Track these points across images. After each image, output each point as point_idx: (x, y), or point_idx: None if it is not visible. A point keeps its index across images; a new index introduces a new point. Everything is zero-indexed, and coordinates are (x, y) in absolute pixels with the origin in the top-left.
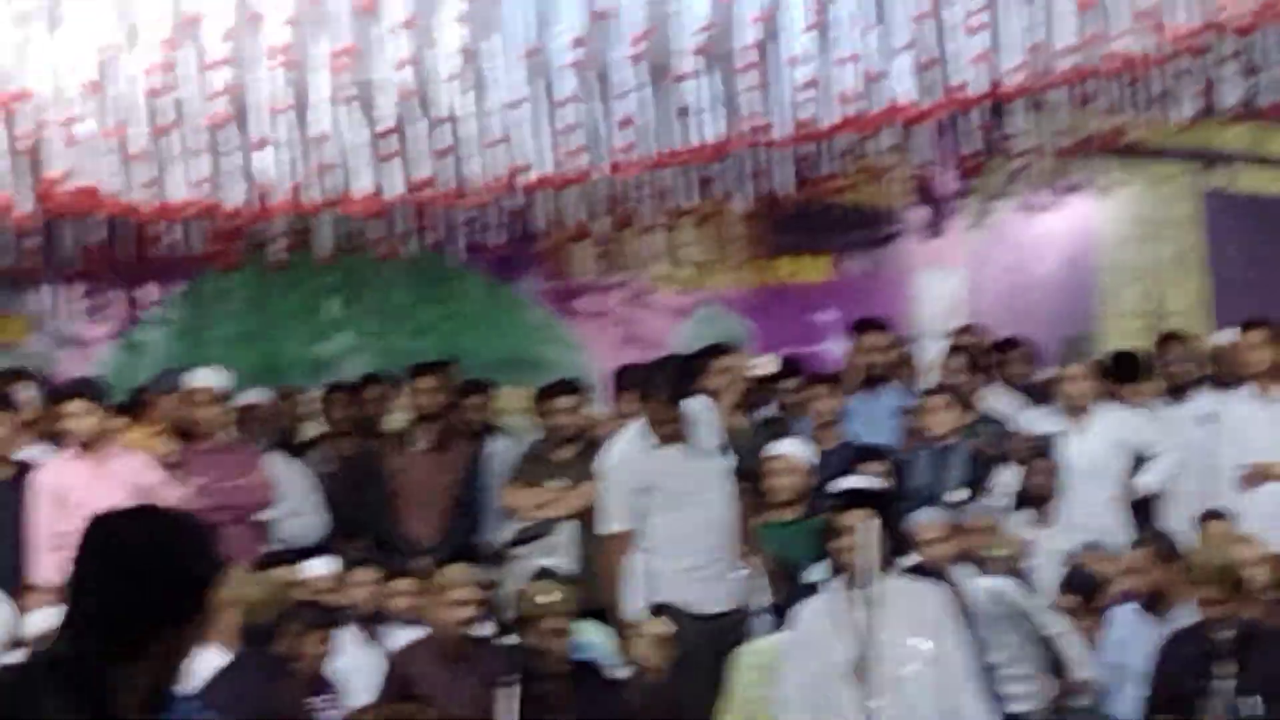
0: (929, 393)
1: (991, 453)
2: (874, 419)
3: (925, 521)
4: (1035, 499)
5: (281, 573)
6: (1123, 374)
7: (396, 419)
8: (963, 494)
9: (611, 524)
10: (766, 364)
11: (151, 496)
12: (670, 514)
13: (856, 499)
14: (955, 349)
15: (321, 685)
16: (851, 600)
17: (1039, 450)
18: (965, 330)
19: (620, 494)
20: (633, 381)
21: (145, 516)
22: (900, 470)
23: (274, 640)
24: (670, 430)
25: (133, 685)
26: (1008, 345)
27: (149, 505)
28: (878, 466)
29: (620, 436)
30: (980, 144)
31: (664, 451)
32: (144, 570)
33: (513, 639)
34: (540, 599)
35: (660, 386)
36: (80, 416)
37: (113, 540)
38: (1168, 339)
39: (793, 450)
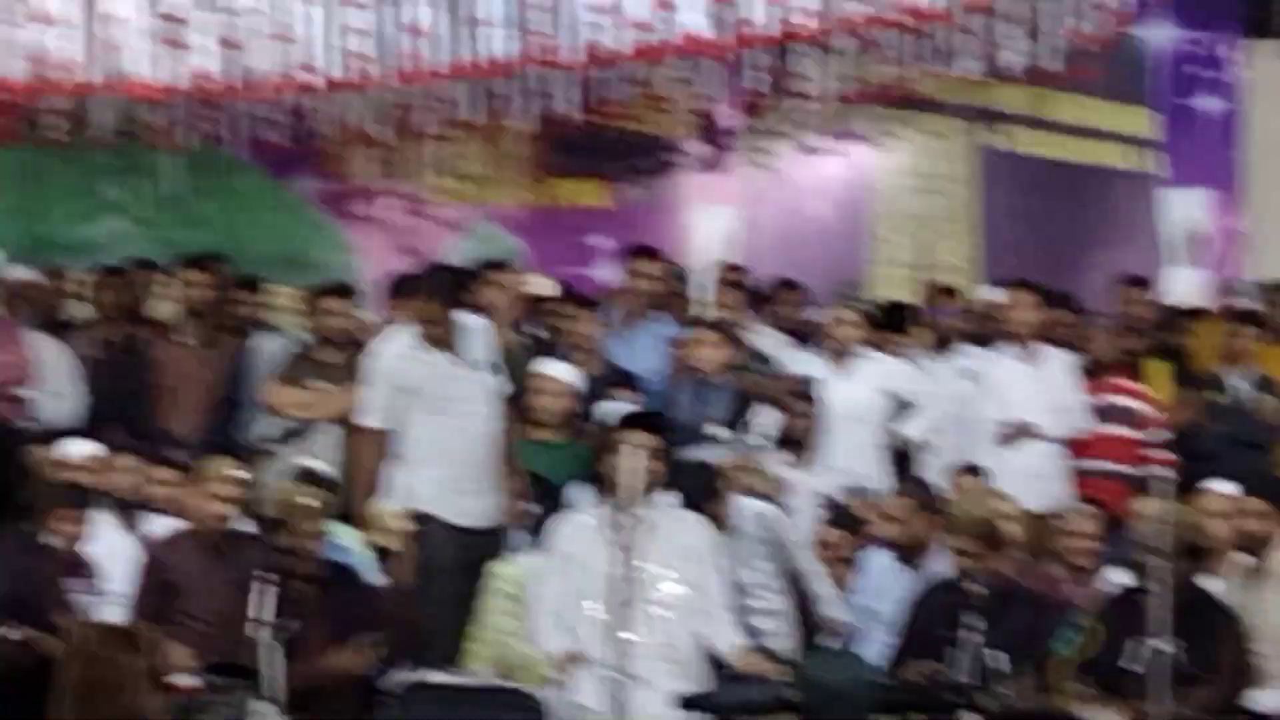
0: (698, 326)
1: (754, 391)
2: (640, 348)
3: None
4: (795, 440)
5: (40, 452)
6: (890, 323)
7: (164, 308)
8: (724, 430)
9: (369, 418)
10: (540, 284)
11: None
12: (432, 421)
13: (631, 421)
14: (727, 284)
15: (78, 567)
16: (615, 523)
17: (801, 392)
18: (736, 268)
19: (381, 391)
20: (405, 285)
21: None
22: (663, 402)
23: (28, 518)
24: (439, 335)
25: None
26: (779, 285)
27: None
28: (632, 394)
29: (388, 335)
30: (765, 83)
31: (431, 355)
32: None
33: (269, 537)
34: (297, 499)
35: (433, 290)
36: None
37: None
38: (936, 292)
39: (559, 371)
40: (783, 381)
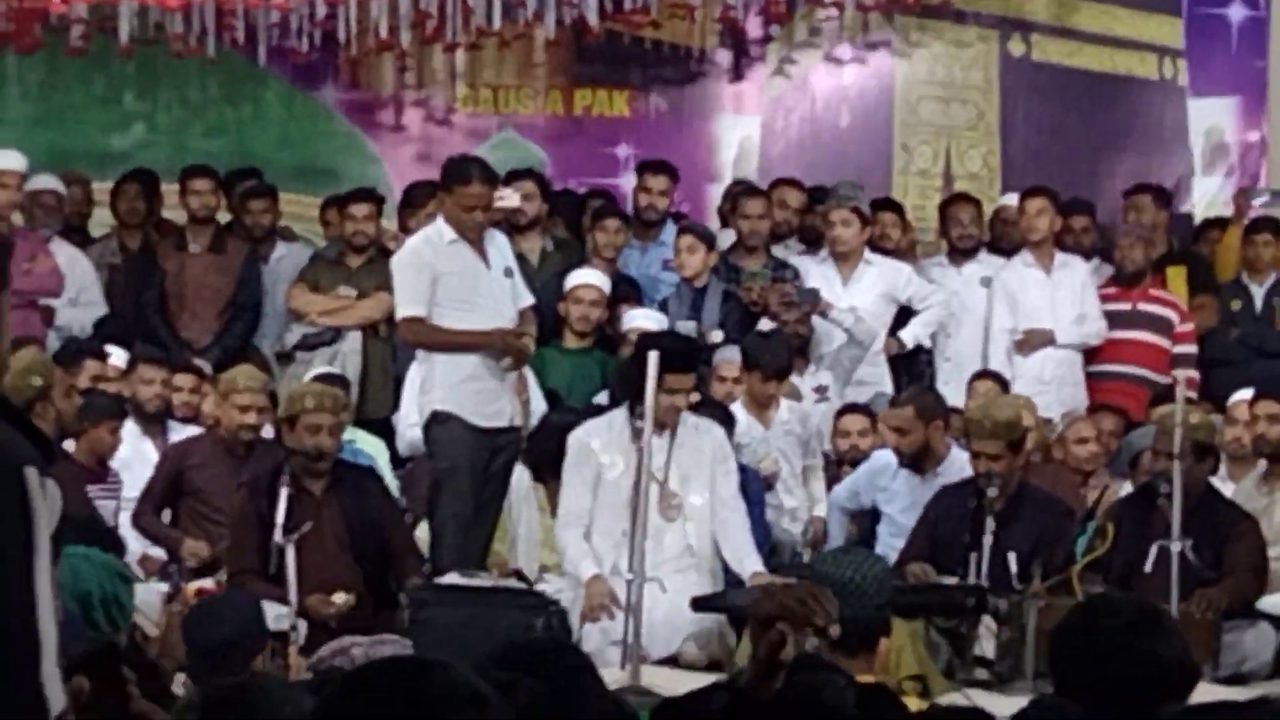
0: (679, 233)
1: (749, 300)
2: (652, 261)
3: (723, 360)
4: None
5: (86, 362)
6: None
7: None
8: (718, 335)
9: (408, 308)
10: (510, 197)
11: None
12: (456, 315)
13: (669, 359)
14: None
15: (104, 474)
16: (638, 433)
17: (793, 300)
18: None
19: (414, 280)
20: (454, 170)
21: None
22: (662, 308)
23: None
24: (465, 226)
25: None
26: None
27: None
28: (640, 305)
29: (418, 232)
30: None
31: (458, 248)
32: None
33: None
34: (306, 398)
35: (462, 178)
36: None
37: None
38: (954, 200)
39: (598, 280)
40: (776, 290)
